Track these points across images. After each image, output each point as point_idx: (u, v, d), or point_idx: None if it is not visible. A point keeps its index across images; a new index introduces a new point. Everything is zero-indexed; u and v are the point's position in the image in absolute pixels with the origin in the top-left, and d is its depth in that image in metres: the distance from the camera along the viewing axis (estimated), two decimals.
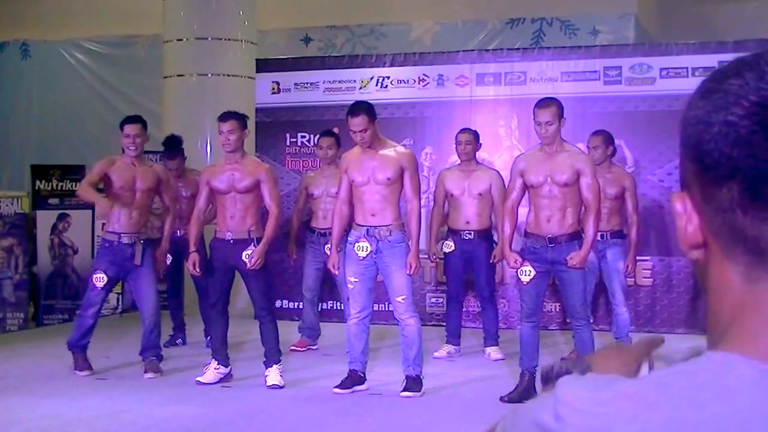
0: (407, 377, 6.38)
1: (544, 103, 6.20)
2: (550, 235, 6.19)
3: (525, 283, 6.26)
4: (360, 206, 6.41)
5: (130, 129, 6.95)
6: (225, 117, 6.63)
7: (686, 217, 0.86)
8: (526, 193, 6.35)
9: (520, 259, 6.25)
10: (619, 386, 0.77)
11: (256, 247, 6.55)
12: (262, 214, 6.72)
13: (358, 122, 6.22)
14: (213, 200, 6.81)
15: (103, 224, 9.78)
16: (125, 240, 6.98)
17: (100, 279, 6.94)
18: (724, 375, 0.74)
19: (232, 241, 6.61)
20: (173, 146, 8.27)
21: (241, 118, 6.64)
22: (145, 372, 6.97)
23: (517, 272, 6.39)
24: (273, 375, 6.62)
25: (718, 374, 0.74)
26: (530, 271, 6.19)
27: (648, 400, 0.74)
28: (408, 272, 6.28)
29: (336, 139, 8.15)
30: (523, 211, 6.50)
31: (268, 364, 6.66)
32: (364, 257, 6.33)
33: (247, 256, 6.53)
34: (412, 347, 6.35)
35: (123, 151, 7.15)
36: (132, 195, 7.00)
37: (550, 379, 1.03)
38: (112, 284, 7.14)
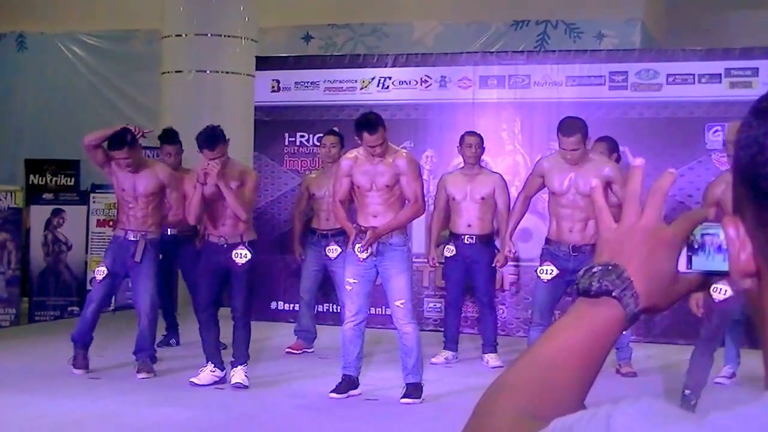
0: (407, 384, 6.30)
1: (568, 130, 6.13)
2: (573, 244, 6.13)
3: (544, 281, 6.19)
4: (363, 209, 6.38)
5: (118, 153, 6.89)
6: (210, 145, 6.40)
7: (739, 242, 0.81)
8: (547, 201, 6.30)
9: (515, 249, 6.25)
10: (676, 426, 0.72)
11: (246, 247, 6.59)
12: (255, 217, 6.69)
13: (376, 138, 6.16)
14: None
15: (108, 221, 9.73)
16: (131, 237, 7.03)
17: (100, 272, 6.99)
18: None
19: (225, 246, 6.63)
20: (170, 137, 8.18)
21: (222, 138, 6.48)
22: (138, 372, 6.88)
23: (537, 270, 6.33)
24: (238, 374, 6.62)
25: None
26: (552, 270, 6.14)
27: None
28: (362, 244, 6.15)
29: (339, 138, 8.03)
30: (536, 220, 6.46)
31: (234, 365, 6.66)
32: (364, 259, 6.24)
33: (236, 255, 6.55)
34: (411, 355, 6.28)
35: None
36: (135, 200, 7.03)
37: (588, 294, 0.98)
38: (113, 280, 7.10)
